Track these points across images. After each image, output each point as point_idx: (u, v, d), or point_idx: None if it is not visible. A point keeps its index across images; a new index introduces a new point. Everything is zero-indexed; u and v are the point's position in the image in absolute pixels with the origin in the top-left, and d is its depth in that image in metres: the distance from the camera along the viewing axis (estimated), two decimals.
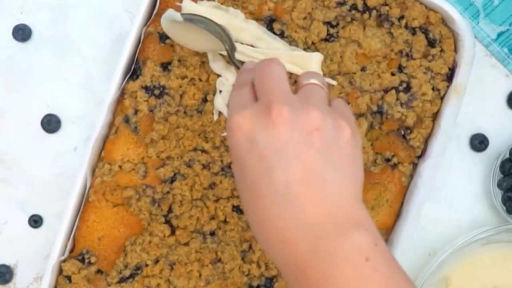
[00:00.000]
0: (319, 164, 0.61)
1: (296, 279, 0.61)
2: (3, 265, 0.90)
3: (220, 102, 0.83)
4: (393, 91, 0.84)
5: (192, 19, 0.79)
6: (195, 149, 0.84)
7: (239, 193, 0.65)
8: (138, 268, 0.83)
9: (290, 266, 0.61)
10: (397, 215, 0.85)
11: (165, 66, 0.84)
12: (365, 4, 0.84)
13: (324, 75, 0.83)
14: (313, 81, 0.66)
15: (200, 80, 0.84)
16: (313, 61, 0.83)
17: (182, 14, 0.80)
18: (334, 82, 0.83)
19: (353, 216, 0.61)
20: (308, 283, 0.60)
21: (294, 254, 0.61)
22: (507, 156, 0.89)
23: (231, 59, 0.78)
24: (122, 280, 0.83)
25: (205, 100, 0.85)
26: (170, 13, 0.80)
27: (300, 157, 0.61)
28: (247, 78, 0.67)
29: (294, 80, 0.83)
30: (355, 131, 0.64)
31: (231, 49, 0.79)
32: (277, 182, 0.61)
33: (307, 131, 0.61)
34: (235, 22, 0.83)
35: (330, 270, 0.59)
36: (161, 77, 0.83)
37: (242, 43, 0.83)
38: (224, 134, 0.83)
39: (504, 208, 0.89)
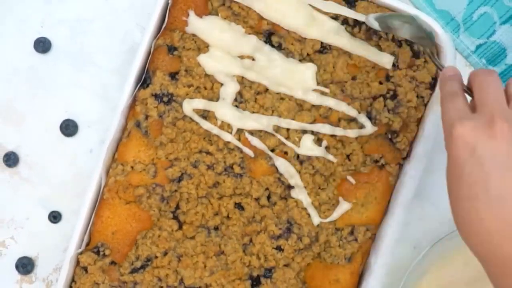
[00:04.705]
0: None
1: (503, 272, 0.66)
2: (25, 257, 0.92)
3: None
4: (381, 99, 0.86)
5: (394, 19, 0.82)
6: (200, 151, 0.85)
7: (450, 194, 0.68)
8: (148, 259, 0.85)
9: (496, 262, 0.66)
10: (385, 211, 0.87)
11: (173, 76, 0.85)
12: (355, 19, 0.86)
13: (318, 84, 0.85)
14: None
15: (205, 88, 0.85)
16: (307, 71, 0.85)
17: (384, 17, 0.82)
18: (327, 90, 0.85)
19: None
20: None
21: (500, 251, 0.65)
22: None
23: (432, 60, 0.79)
24: (134, 270, 0.85)
25: None
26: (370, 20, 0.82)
27: None
28: (456, 87, 0.71)
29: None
30: None
31: (432, 51, 0.80)
32: (492, 188, 0.65)
33: None
34: (237, 36, 0.85)
35: None
36: (169, 86, 0.85)
37: (242, 55, 0.86)
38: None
39: None
